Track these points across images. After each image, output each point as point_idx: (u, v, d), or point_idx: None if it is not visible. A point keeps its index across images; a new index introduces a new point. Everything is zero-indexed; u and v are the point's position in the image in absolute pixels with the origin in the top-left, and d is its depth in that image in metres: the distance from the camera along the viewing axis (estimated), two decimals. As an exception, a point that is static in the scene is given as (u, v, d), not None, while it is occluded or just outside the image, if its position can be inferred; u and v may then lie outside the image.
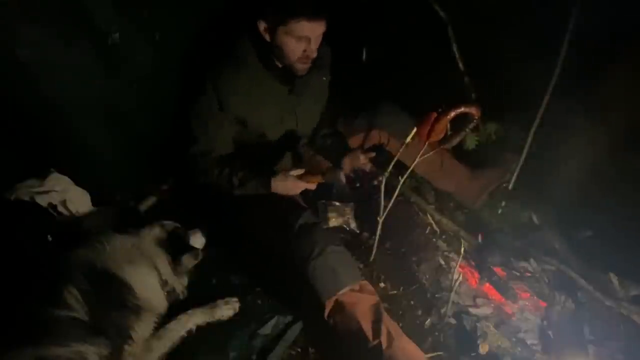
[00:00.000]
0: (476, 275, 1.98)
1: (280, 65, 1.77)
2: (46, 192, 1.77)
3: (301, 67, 1.73)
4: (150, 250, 1.57)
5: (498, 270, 1.99)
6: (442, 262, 2.02)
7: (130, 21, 1.75)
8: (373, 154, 1.87)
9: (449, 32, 2.12)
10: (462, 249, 1.70)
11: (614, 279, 1.88)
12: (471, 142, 2.12)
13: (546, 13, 1.89)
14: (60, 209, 1.79)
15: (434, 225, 2.20)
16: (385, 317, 1.55)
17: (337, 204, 2.19)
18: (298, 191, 1.80)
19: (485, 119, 2.15)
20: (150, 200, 2.11)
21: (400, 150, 1.73)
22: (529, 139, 2.02)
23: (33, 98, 1.68)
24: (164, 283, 1.56)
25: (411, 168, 1.76)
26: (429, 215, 2.22)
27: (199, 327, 1.57)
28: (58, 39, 1.62)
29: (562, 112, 1.95)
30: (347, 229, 2.16)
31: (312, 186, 1.81)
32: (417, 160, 1.74)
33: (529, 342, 1.76)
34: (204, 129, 1.77)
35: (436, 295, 1.90)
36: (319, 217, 2.07)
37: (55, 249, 1.64)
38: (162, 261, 1.58)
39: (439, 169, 2.14)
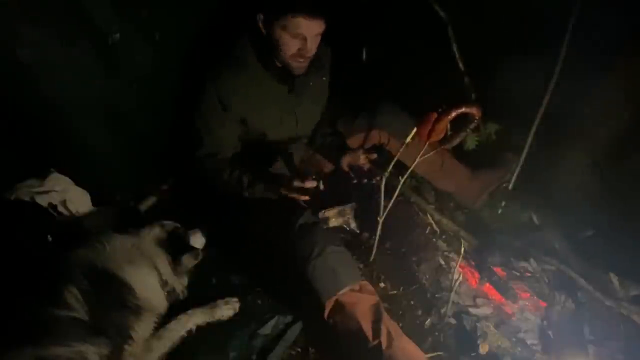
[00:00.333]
0: (476, 275, 1.98)
1: (279, 65, 1.77)
2: (46, 192, 1.77)
3: (296, 66, 1.73)
4: (150, 250, 1.57)
5: (498, 270, 1.99)
6: (442, 262, 2.02)
7: (130, 21, 1.75)
8: (374, 155, 1.86)
9: (449, 32, 2.12)
10: (462, 249, 1.69)
11: (614, 279, 1.88)
12: (471, 142, 2.12)
13: (546, 13, 1.89)
14: (60, 209, 1.79)
15: (434, 225, 2.20)
16: (385, 317, 1.55)
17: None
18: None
19: (485, 119, 2.15)
20: (150, 200, 2.11)
21: (400, 150, 1.73)
22: (529, 139, 2.02)
23: (33, 98, 1.68)
24: (164, 283, 1.56)
25: (411, 168, 1.76)
26: (429, 215, 2.22)
27: (199, 327, 1.58)
28: (58, 39, 1.62)
29: (562, 112, 1.95)
30: (347, 229, 2.16)
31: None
32: (417, 160, 1.74)
33: (529, 342, 1.76)
34: (208, 130, 1.77)
35: (436, 295, 1.90)
36: (319, 217, 2.07)
37: (55, 249, 1.64)
38: (162, 261, 1.58)
39: (439, 169, 2.14)
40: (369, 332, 1.50)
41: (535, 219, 2.13)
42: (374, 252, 1.98)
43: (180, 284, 1.63)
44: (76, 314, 1.33)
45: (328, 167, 2.12)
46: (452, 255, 2.06)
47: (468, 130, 1.83)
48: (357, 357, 1.52)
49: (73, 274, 1.39)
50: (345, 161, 1.92)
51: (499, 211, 2.17)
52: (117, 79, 1.82)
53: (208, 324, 1.60)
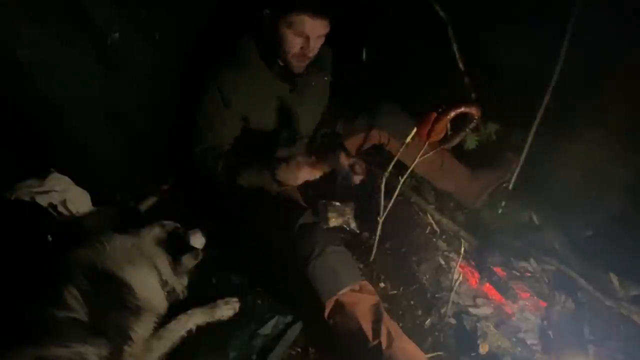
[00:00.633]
0: (476, 275, 1.98)
1: (281, 64, 1.77)
2: (46, 192, 1.77)
3: (297, 65, 1.73)
4: (150, 250, 1.57)
5: (498, 270, 1.99)
6: (442, 262, 2.02)
7: (130, 21, 1.75)
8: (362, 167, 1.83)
9: (449, 32, 2.12)
10: (462, 249, 1.69)
11: (614, 279, 1.88)
12: (471, 142, 2.12)
13: (546, 12, 1.89)
14: (60, 209, 1.79)
15: (434, 225, 2.20)
16: (385, 317, 1.55)
17: (337, 204, 2.19)
18: (301, 180, 1.74)
19: (485, 119, 2.15)
20: (150, 200, 2.11)
21: (400, 150, 1.73)
22: (529, 139, 2.02)
23: (33, 98, 1.68)
24: (164, 283, 1.56)
25: (411, 168, 1.77)
26: (429, 215, 2.22)
27: (199, 327, 1.58)
28: (58, 39, 1.62)
29: (562, 112, 1.95)
30: (347, 229, 2.16)
31: (318, 173, 1.76)
32: (417, 160, 1.74)
33: (529, 342, 1.76)
34: (209, 126, 1.77)
35: (436, 295, 1.90)
36: (319, 217, 2.07)
37: (55, 249, 1.64)
38: (162, 261, 1.58)
39: (439, 169, 2.14)
40: (369, 332, 1.50)
41: (535, 219, 2.13)
42: (374, 252, 1.98)
43: (180, 284, 1.63)
44: (76, 314, 1.32)
45: (325, 168, 2.12)
46: (452, 255, 2.06)
47: (468, 130, 1.83)
48: (357, 357, 1.52)
49: (73, 274, 1.39)
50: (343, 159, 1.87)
51: (499, 211, 2.17)
52: (117, 79, 1.82)
53: (208, 324, 1.60)
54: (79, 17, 1.63)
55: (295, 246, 1.61)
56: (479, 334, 1.73)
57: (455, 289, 1.75)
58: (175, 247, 1.62)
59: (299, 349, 1.70)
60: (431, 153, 1.80)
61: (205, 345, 1.56)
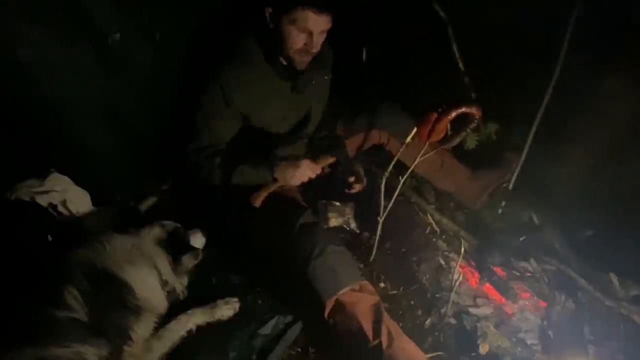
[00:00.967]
0: (476, 275, 1.98)
1: (284, 63, 1.77)
2: (46, 192, 1.77)
3: (300, 60, 1.73)
4: (150, 250, 1.57)
5: (498, 270, 1.99)
6: (442, 262, 2.02)
7: (130, 21, 1.75)
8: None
9: (449, 32, 2.12)
10: (462, 249, 1.70)
11: (614, 279, 1.88)
12: (471, 142, 2.12)
13: (546, 13, 1.89)
14: (61, 209, 1.79)
15: (434, 225, 2.20)
16: (386, 317, 1.55)
17: (337, 204, 2.19)
18: (298, 179, 1.76)
19: (485, 119, 2.15)
20: (150, 200, 2.11)
21: (401, 150, 1.73)
22: (529, 139, 2.02)
23: (33, 98, 1.68)
24: (164, 283, 1.56)
25: (411, 168, 1.77)
26: (429, 215, 2.22)
27: (199, 327, 1.58)
28: (58, 39, 1.62)
29: (562, 112, 1.95)
30: (347, 229, 2.16)
31: (317, 170, 1.79)
32: (417, 160, 1.74)
33: (529, 342, 1.76)
34: (207, 124, 1.77)
35: (436, 295, 1.90)
36: (319, 217, 2.07)
37: (55, 249, 1.64)
38: (162, 261, 1.58)
39: (439, 169, 2.14)
40: (369, 331, 1.50)
41: (535, 219, 2.13)
42: (374, 252, 1.98)
43: (180, 284, 1.63)
44: (76, 314, 1.33)
45: (325, 169, 2.12)
46: (452, 255, 2.06)
47: (468, 130, 1.83)
48: (357, 357, 1.52)
49: (73, 274, 1.39)
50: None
51: (499, 211, 2.17)
52: (117, 79, 1.82)
53: (208, 324, 1.60)
54: (79, 17, 1.63)
55: (295, 246, 1.61)
56: (479, 334, 1.73)
57: (455, 289, 1.75)
58: (175, 247, 1.62)
59: (299, 349, 1.70)
60: (431, 153, 1.80)
61: (205, 345, 1.56)
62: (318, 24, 1.64)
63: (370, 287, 1.64)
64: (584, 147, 1.98)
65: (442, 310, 1.82)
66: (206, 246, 1.75)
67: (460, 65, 2.16)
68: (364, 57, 2.60)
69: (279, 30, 1.67)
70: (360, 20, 2.41)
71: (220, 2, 1.99)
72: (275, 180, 1.77)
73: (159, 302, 1.53)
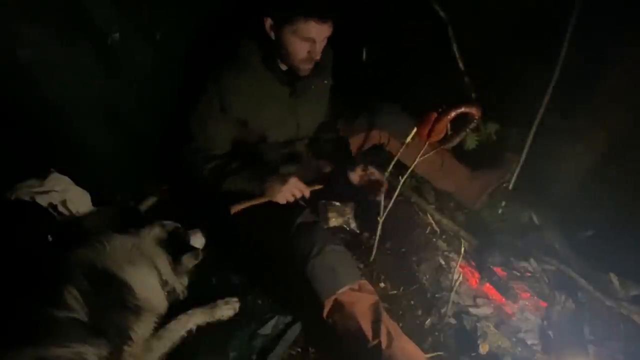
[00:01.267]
0: (476, 275, 1.98)
1: (283, 68, 1.77)
2: (46, 192, 1.77)
3: (303, 68, 1.72)
4: (150, 250, 1.57)
5: (498, 270, 1.99)
6: (442, 262, 2.02)
7: (130, 21, 1.75)
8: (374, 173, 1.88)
9: (449, 32, 2.12)
10: (462, 249, 1.70)
11: (614, 279, 1.88)
12: (471, 142, 2.12)
13: (546, 12, 1.89)
14: (61, 209, 1.79)
15: (434, 225, 2.20)
16: (385, 316, 1.55)
17: (337, 204, 2.19)
18: (284, 199, 1.74)
19: (485, 119, 2.15)
20: (150, 200, 2.11)
21: (401, 150, 1.73)
22: (529, 139, 2.02)
23: (33, 98, 1.68)
24: (164, 283, 1.56)
25: (411, 168, 1.76)
26: (429, 215, 2.22)
27: (199, 327, 1.58)
28: (58, 39, 1.62)
29: (562, 112, 1.95)
30: (347, 229, 2.16)
31: (305, 191, 1.79)
32: (417, 160, 1.74)
33: (529, 342, 1.76)
34: (202, 127, 1.77)
35: (436, 295, 1.90)
36: (319, 217, 2.07)
37: (55, 249, 1.64)
38: (162, 261, 1.58)
39: (439, 169, 2.14)
40: (368, 331, 1.50)
41: (535, 219, 2.13)
42: (374, 252, 1.98)
43: (180, 284, 1.63)
44: (76, 314, 1.33)
45: (327, 168, 2.12)
46: (452, 255, 2.06)
47: (468, 130, 1.82)
48: (357, 356, 1.52)
49: (73, 274, 1.39)
50: (356, 177, 1.92)
51: (499, 211, 2.17)
52: (117, 79, 1.82)
53: (208, 324, 1.60)
54: (79, 17, 1.63)
55: (294, 245, 1.61)
56: (479, 334, 1.73)
57: (455, 289, 1.75)
58: (175, 247, 1.62)
59: (299, 349, 1.70)
60: (431, 153, 1.80)
61: (205, 345, 1.56)
62: (321, 32, 1.62)
63: (369, 287, 1.64)
64: (584, 147, 1.98)
65: (442, 310, 1.82)
66: (206, 246, 1.75)
67: (460, 65, 2.16)
68: (364, 57, 2.60)
69: (280, 40, 1.65)
70: (361, 20, 2.42)
71: (220, 2, 1.99)
72: (262, 195, 1.77)
73: (159, 302, 1.53)
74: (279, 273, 1.70)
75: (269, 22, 1.65)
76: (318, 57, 1.70)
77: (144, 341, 1.44)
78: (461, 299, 1.88)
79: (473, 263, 2.03)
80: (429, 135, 1.74)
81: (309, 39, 1.63)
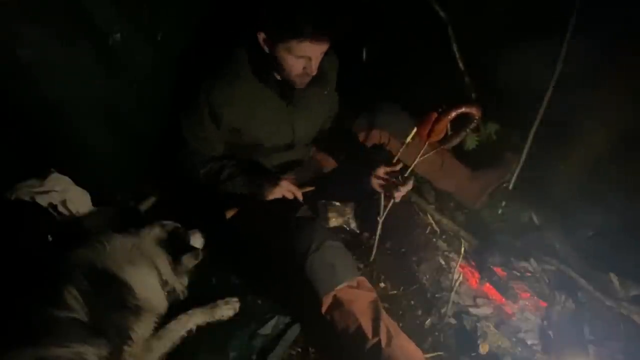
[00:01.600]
0: (476, 275, 1.98)
1: (278, 77, 1.74)
2: (46, 192, 1.77)
3: (300, 81, 1.70)
4: (150, 250, 1.57)
5: (498, 270, 1.99)
6: (442, 262, 2.02)
7: (130, 21, 1.75)
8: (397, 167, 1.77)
9: (449, 32, 2.12)
10: (462, 249, 1.70)
11: (615, 279, 1.88)
12: (471, 142, 2.12)
13: (546, 13, 1.89)
14: (61, 209, 1.79)
15: (434, 225, 2.20)
16: (384, 314, 1.55)
17: (337, 204, 2.18)
18: (271, 193, 1.76)
19: (485, 119, 2.15)
20: (150, 200, 2.11)
21: (401, 150, 1.73)
22: (529, 139, 2.02)
23: (33, 98, 1.68)
24: (164, 283, 1.56)
25: (411, 168, 1.76)
26: (429, 215, 2.22)
27: (199, 327, 1.58)
28: (58, 39, 1.62)
29: (562, 112, 1.95)
30: (347, 229, 2.16)
31: (297, 193, 1.80)
32: (417, 160, 1.74)
33: (529, 342, 1.76)
34: (195, 134, 1.76)
35: (436, 295, 1.90)
36: (319, 218, 2.07)
37: (55, 249, 1.63)
38: (162, 261, 1.58)
39: (440, 169, 2.14)
40: (368, 329, 1.50)
41: (535, 219, 2.13)
42: (374, 252, 1.98)
43: (180, 284, 1.63)
44: (76, 314, 1.32)
45: (330, 165, 2.12)
46: (452, 255, 2.06)
47: (468, 130, 1.82)
48: (357, 355, 1.51)
49: (73, 274, 1.39)
50: (376, 183, 1.79)
51: (499, 211, 2.17)
52: (117, 79, 1.82)
53: (208, 324, 1.60)
54: (79, 17, 1.63)
55: (292, 241, 1.60)
56: (479, 334, 1.73)
57: (455, 289, 1.75)
58: (175, 247, 1.62)
59: (299, 349, 1.70)
60: (431, 153, 1.80)
61: (205, 345, 1.56)
62: (316, 50, 1.59)
63: (368, 284, 1.64)
64: (584, 147, 1.98)
65: (442, 310, 1.82)
66: (206, 246, 1.75)
67: (460, 65, 2.16)
68: (364, 57, 2.60)
69: (274, 55, 1.61)
70: (361, 20, 2.42)
71: (220, 2, 1.99)
72: (255, 198, 1.78)
73: (159, 302, 1.53)
74: (278, 271, 1.70)
75: (262, 36, 1.60)
76: (314, 73, 1.66)
77: (144, 341, 1.43)
78: (461, 299, 1.88)
79: (473, 263, 2.03)
80: (429, 136, 1.75)
81: (304, 57, 1.59)
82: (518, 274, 1.99)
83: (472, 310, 1.84)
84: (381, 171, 1.75)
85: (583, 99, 1.91)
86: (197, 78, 1.72)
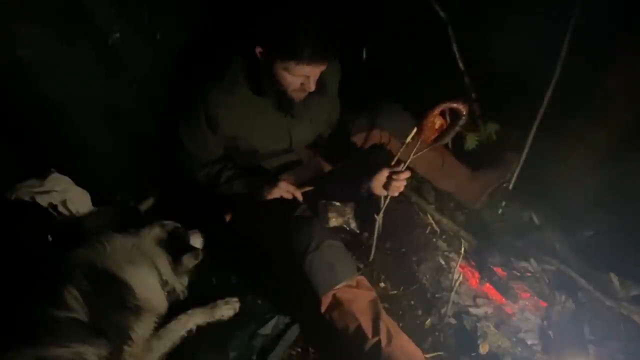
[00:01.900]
0: (476, 275, 1.98)
1: (275, 89, 1.71)
2: (46, 192, 1.77)
3: (297, 96, 1.69)
4: (150, 250, 1.57)
5: (498, 270, 1.99)
6: (442, 262, 2.02)
7: (130, 21, 1.75)
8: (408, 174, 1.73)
9: (449, 32, 2.12)
10: (462, 249, 1.70)
11: (615, 279, 1.88)
12: (471, 142, 2.12)
13: (546, 13, 1.89)
14: (61, 209, 1.79)
15: (434, 225, 2.20)
16: (384, 314, 1.55)
17: (337, 204, 2.18)
18: (269, 193, 1.77)
19: (485, 119, 2.15)
20: (150, 200, 2.11)
21: (401, 150, 1.72)
22: (529, 139, 2.02)
23: (33, 98, 1.68)
24: (164, 283, 1.56)
25: (406, 165, 1.74)
26: (429, 215, 2.22)
27: (199, 327, 1.58)
28: (58, 39, 1.62)
29: (562, 111, 1.95)
30: (347, 229, 2.15)
31: (297, 194, 1.81)
32: (410, 157, 1.72)
33: (529, 342, 1.76)
34: (192, 138, 1.76)
35: (436, 295, 1.90)
36: (319, 218, 2.07)
37: (55, 249, 1.64)
38: (162, 261, 1.58)
39: (440, 169, 2.13)
40: (368, 329, 1.50)
41: (535, 219, 2.13)
42: (372, 250, 1.98)
43: (180, 284, 1.63)
44: (76, 314, 1.33)
45: (327, 168, 2.12)
46: (452, 255, 2.06)
47: (457, 127, 1.78)
48: (356, 354, 1.51)
49: (73, 274, 1.39)
50: (379, 187, 1.73)
51: (499, 211, 2.17)
52: (117, 79, 1.82)
53: (208, 324, 1.60)
54: (79, 17, 1.63)
55: (292, 240, 1.60)
56: (479, 334, 1.73)
57: (455, 289, 1.75)
58: (175, 247, 1.62)
59: (299, 349, 1.70)
60: (424, 150, 1.78)
61: (205, 345, 1.56)
62: (315, 70, 1.57)
63: (367, 283, 1.64)
64: (584, 147, 1.98)
65: (442, 310, 1.82)
66: (206, 246, 1.75)
67: (460, 65, 2.16)
68: (364, 56, 2.60)
69: (271, 70, 1.59)
70: (361, 20, 2.42)
71: (220, 2, 1.99)
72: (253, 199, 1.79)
73: (159, 302, 1.53)
74: (278, 271, 1.70)
75: (259, 49, 1.58)
76: (312, 89, 1.64)
77: (144, 341, 1.43)
78: (461, 299, 1.88)
79: (473, 263, 2.03)
80: (421, 133, 1.73)
81: (302, 76, 1.58)
82: (518, 274, 1.99)
83: (472, 310, 1.84)
84: (384, 174, 1.71)
85: (583, 99, 1.91)
86: (195, 84, 1.71)
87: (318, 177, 2.06)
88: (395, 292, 1.93)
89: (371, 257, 1.99)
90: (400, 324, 1.66)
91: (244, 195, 1.80)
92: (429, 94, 1.98)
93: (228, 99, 1.68)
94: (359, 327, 1.51)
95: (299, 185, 1.88)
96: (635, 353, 1.69)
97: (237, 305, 1.67)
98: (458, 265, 1.75)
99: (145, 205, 2.09)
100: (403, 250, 2.09)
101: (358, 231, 2.15)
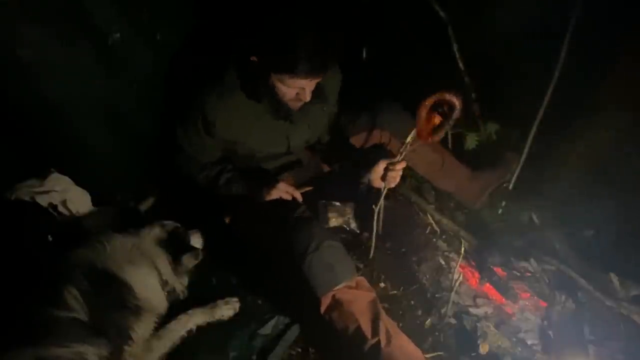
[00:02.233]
0: (476, 275, 1.98)
1: (271, 97, 1.70)
2: (46, 192, 1.77)
3: (292, 106, 1.69)
4: (150, 250, 1.57)
5: (498, 270, 1.99)
6: (442, 262, 2.02)
7: (130, 21, 1.75)
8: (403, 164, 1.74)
9: (449, 32, 2.12)
10: (462, 249, 1.69)
11: (615, 279, 1.88)
12: (471, 142, 2.12)
13: (546, 13, 1.89)
14: (61, 209, 1.79)
15: (434, 225, 2.20)
16: (383, 314, 1.55)
17: (337, 204, 2.18)
18: (270, 197, 1.78)
19: (485, 119, 2.15)
20: (150, 200, 2.11)
21: (401, 150, 1.72)
22: (529, 139, 2.02)
23: (33, 98, 1.68)
24: (164, 283, 1.56)
25: (400, 158, 1.73)
26: (429, 215, 2.22)
27: (199, 327, 1.58)
28: (58, 39, 1.62)
29: (562, 111, 1.95)
30: (347, 229, 2.16)
31: (296, 194, 1.82)
32: (404, 152, 1.71)
33: (529, 342, 1.76)
34: (189, 141, 1.77)
35: (436, 295, 1.90)
36: (319, 218, 2.07)
37: (55, 249, 1.64)
38: (162, 261, 1.58)
39: (440, 169, 2.13)
40: (367, 329, 1.50)
41: (535, 219, 2.13)
42: (372, 249, 1.98)
43: (180, 284, 1.63)
44: (76, 314, 1.33)
45: (326, 168, 2.12)
46: (452, 255, 2.06)
47: (451, 121, 1.76)
48: (356, 355, 1.51)
49: (73, 274, 1.40)
50: (377, 179, 1.76)
51: (499, 211, 2.17)
52: (117, 79, 1.82)
53: (208, 324, 1.60)
54: (79, 17, 1.63)
55: (291, 240, 1.60)
56: (479, 334, 1.73)
57: (455, 289, 1.75)
58: (175, 247, 1.62)
59: (299, 349, 1.70)
60: (416, 145, 1.76)
61: (205, 345, 1.56)
62: (310, 83, 1.57)
63: (366, 284, 1.64)
64: (584, 147, 1.98)
65: (442, 310, 1.82)
66: (206, 246, 1.75)
67: (460, 65, 2.15)
68: (364, 56, 2.60)
69: (266, 80, 1.59)
70: (361, 20, 2.42)
71: (220, 3, 1.99)
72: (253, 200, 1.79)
73: (159, 302, 1.53)
74: (277, 271, 1.70)
75: (255, 59, 1.57)
76: (308, 100, 1.64)
77: (144, 341, 1.44)
78: (461, 299, 1.88)
79: (473, 263, 2.03)
80: (417, 126, 1.72)
81: (297, 88, 1.58)
82: (518, 274, 1.99)
83: (472, 310, 1.84)
84: (381, 166, 1.73)
85: (583, 99, 1.91)
86: (194, 88, 1.71)
87: (318, 178, 2.07)
88: (395, 292, 1.93)
89: (371, 254, 1.99)
90: (400, 324, 1.66)
91: (244, 197, 1.81)
92: (429, 94, 1.98)
93: (226, 103, 1.68)
94: (359, 328, 1.51)
95: (298, 185, 1.88)
96: (635, 353, 1.69)
97: (237, 305, 1.67)
98: (458, 265, 1.75)
99: (145, 205, 2.09)
100: (403, 250, 2.09)
101: (358, 231, 2.15)
